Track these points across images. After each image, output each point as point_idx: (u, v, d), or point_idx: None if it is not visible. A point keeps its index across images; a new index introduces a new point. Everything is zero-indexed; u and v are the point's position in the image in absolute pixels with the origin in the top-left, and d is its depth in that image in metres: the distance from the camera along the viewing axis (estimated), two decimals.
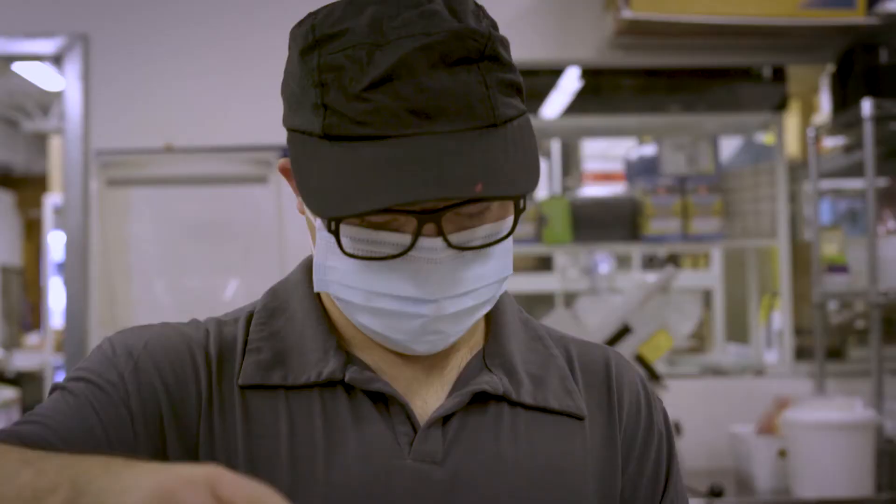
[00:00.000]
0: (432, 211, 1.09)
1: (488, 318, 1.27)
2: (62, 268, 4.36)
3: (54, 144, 7.65)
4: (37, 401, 6.87)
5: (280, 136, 4.52)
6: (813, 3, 3.84)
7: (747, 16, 3.87)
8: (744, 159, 4.86)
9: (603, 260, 6.15)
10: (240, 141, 4.11)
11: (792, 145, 5.22)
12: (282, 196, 4.07)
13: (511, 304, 1.30)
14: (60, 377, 1.35)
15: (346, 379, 1.18)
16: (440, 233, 1.10)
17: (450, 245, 1.10)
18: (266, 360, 1.20)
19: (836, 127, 4.13)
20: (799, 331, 4.50)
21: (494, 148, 1.08)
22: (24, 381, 7.69)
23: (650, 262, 6.02)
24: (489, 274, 1.14)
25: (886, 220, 5.32)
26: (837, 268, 4.05)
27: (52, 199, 7.40)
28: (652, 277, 4.98)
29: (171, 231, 4.14)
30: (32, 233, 9.24)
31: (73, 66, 4.14)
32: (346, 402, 1.18)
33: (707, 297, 5.36)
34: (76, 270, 4.13)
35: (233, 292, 4.11)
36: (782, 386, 4.12)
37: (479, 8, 1.15)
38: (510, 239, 1.15)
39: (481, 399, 1.20)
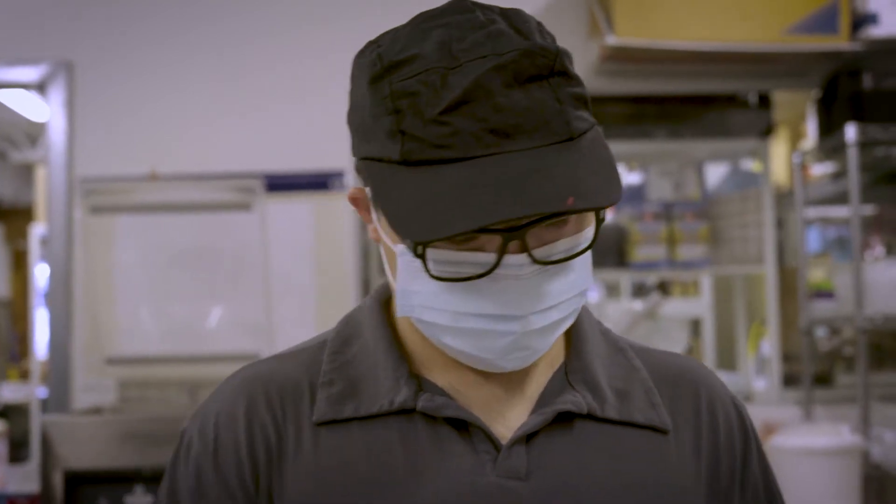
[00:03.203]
0: (516, 228, 1.08)
1: (568, 332, 1.26)
2: (47, 297, 4.33)
3: (40, 174, 7.64)
4: (24, 433, 6.83)
5: (263, 164, 4.46)
6: (797, 29, 3.85)
7: (732, 42, 3.88)
8: (730, 186, 4.86)
9: (591, 288, 6.15)
10: (224, 168, 4.10)
11: (780, 172, 5.22)
12: (266, 223, 4.06)
13: (590, 317, 1.30)
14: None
15: (419, 408, 1.17)
16: (524, 249, 1.09)
17: (534, 260, 1.09)
18: (338, 392, 1.21)
19: (821, 153, 4.14)
20: (787, 357, 4.49)
21: (575, 162, 1.08)
22: (12, 413, 7.64)
23: (640, 290, 6.00)
24: (571, 287, 1.13)
25: (874, 247, 5.33)
26: (824, 294, 4.05)
27: (38, 230, 7.36)
28: (640, 305, 4.98)
29: (155, 258, 4.12)
30: (20, 264, 9.20)
31: (57, 94, 4.13)
32: (425, 428, 1.18)
33: (696, 325, 5.35)
34: (60, 299, 4.10)
35: (217, 319, 4.09)
36: (770, 412, 4.11)
37: (541, 25, 1.16)
38: (589, 251, 1.14)
39: (566, 417, 1.19)
